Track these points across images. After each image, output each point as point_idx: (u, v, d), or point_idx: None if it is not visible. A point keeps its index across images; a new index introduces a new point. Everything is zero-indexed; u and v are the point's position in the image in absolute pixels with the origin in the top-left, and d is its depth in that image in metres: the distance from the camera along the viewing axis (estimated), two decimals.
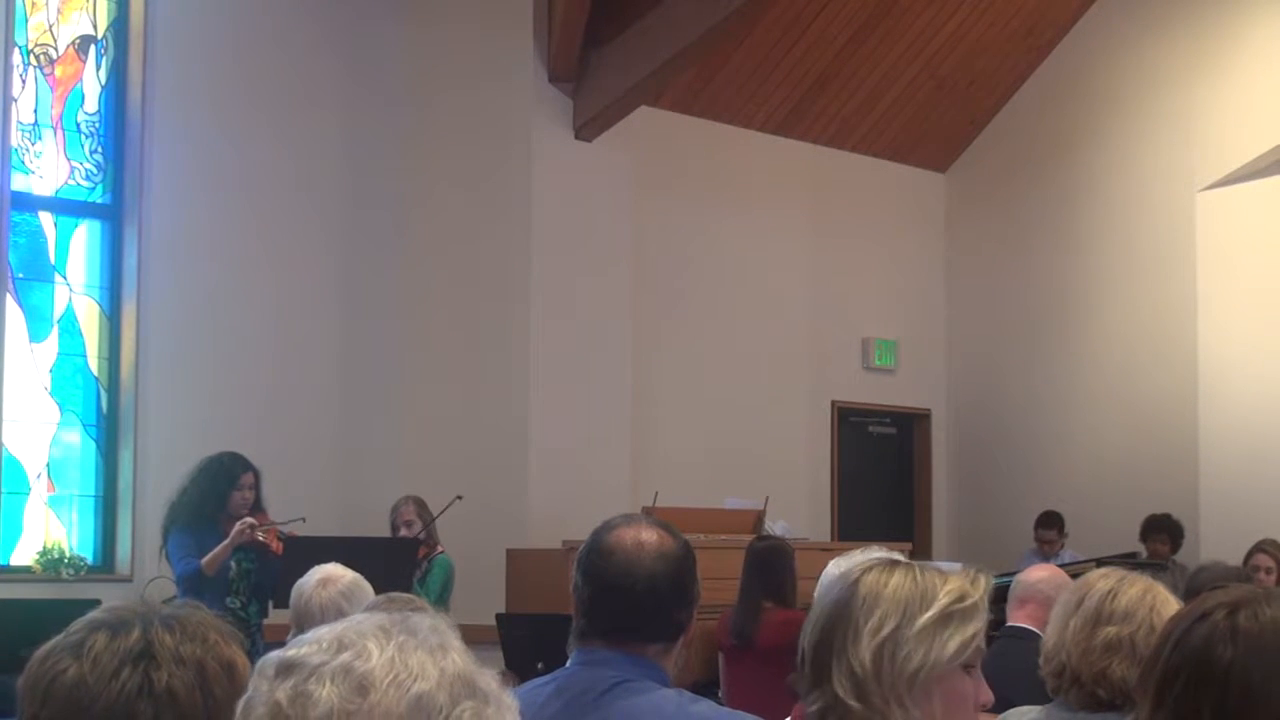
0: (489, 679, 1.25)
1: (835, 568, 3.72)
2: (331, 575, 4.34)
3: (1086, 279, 11.41)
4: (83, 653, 1.70)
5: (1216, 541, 9.86)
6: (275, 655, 1.23)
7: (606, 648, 2.60)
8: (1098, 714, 2.87)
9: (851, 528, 11.14)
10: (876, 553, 3.71)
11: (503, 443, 9.27)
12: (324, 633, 1.23)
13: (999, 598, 5.14)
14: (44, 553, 8.43)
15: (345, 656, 1.19)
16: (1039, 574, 4.75)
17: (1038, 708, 3.03)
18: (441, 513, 7.81)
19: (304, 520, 7.37)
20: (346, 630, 1.22)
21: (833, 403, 11.60)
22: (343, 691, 1.17)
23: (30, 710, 1.70)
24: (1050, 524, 10.51)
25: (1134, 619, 2.87)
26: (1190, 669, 2.04)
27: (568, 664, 2.66)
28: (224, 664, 1.75)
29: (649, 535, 2.66)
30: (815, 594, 2.43)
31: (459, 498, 7.82)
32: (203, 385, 8.80)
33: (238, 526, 7.06)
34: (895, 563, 2.20)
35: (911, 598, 2.11)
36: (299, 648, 1.22)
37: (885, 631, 2.09)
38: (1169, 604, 2.92)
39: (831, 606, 2.15)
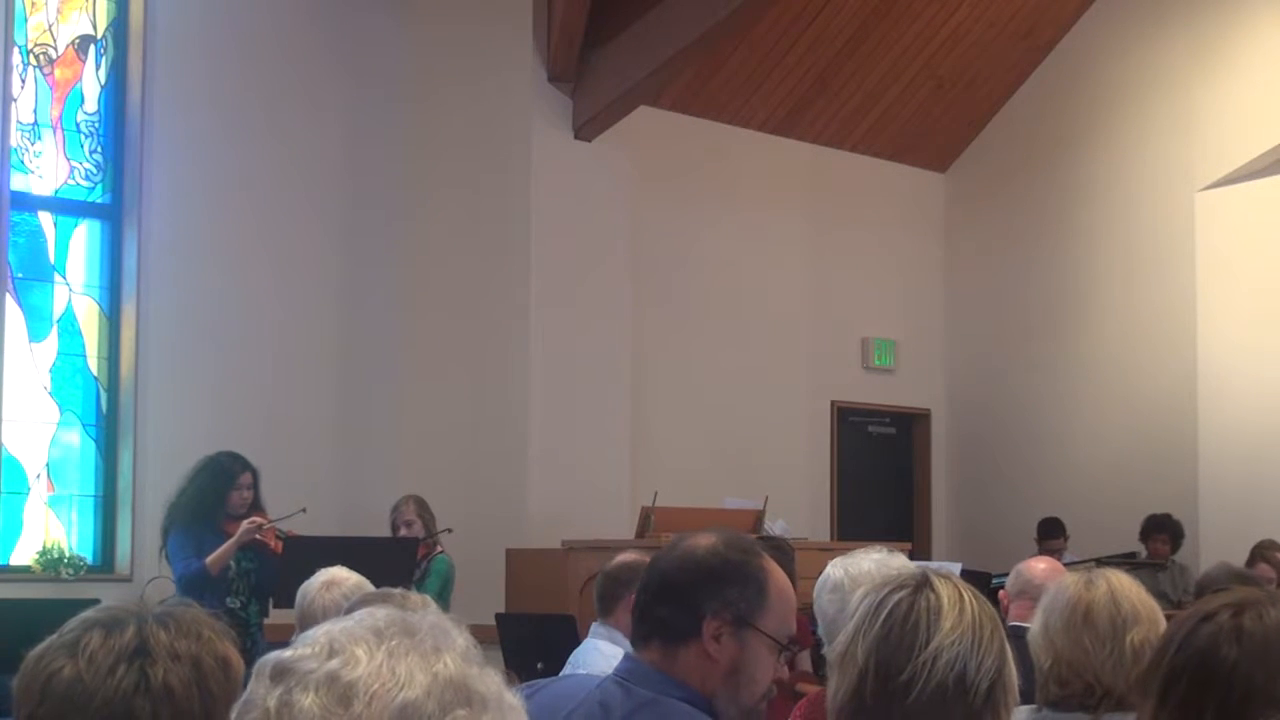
0: (489, 681, 1.22)
1: (835, 568, 3.72)
2: (336, 578, 4.35)
3: (1086, 279, 11.40)
4: (78, 651, 1.70)
5: (1216, 541, 9.86)
6: (274, 656, 1.22)
7: (642, 661, 2.48)
8: (1094, 714, 2.87)
9: (851, 528, 11.13)
10: (877, 554, 3.71)
11: (503, 442, 9.27)
12: (319, 634, 1.22)
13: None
14: (44, 552, 8.43)
15: (333, 664, 1.18)
16: (1040, 567, 4.72)
17: (1032, 707, 3.03)
18: (426, 538, 7.80)
19: (304, 511, 7.37)
20: (341, 634, 1.21)
21: (832, 403, 11.59)
22: (325, 702, 1.16)
23: (26, 709, 1.70)
24: (1057, 532, 10.36)
25: (1105, 620, 2.88)
26: (1194, 669, 2.05)
27: (615, 668, 2.56)
28: (219, 660, 1.75)
29: (703, 539, 2.52)
30: (859, 607, 2.08)
31: (449, 530, 7.91)
32: (203, 385, 8.80)
33: (245, 525, 7.06)
34: (938, 584, 2.03)
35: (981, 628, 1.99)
36: (295, 649, 1.22)
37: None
38: (1130, 600, 2.92)
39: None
